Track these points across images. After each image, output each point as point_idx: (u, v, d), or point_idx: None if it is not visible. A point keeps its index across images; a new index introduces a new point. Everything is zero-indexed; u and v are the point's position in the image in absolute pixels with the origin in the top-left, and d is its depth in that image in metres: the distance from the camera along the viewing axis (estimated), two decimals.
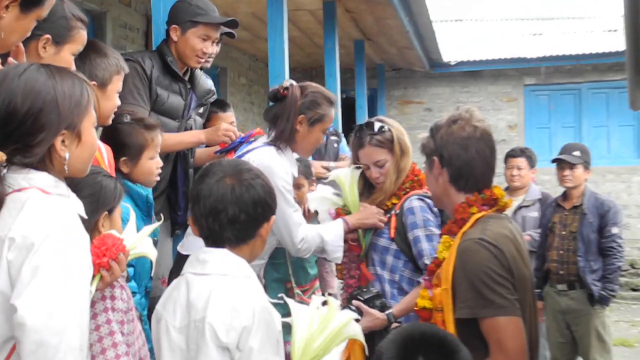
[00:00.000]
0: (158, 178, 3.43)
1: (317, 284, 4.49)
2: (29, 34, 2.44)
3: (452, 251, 2.52)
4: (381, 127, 3.64)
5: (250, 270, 2.36)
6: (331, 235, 3.61)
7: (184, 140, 3.98)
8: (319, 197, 4.02)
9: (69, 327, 1.92)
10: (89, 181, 2.41)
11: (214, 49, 4.09)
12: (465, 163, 2.59)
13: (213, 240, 2.36)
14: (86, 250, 2.08)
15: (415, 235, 3.49)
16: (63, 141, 2.10)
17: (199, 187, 2.36)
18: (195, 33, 3.98)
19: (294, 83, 3.72)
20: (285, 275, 3.94)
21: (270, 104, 3.81)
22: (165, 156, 3.79)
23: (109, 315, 2.39)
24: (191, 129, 4.14)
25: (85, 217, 2.16)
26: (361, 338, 2.70)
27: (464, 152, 2.59)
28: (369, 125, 3.68)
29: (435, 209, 3.55)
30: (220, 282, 2.27)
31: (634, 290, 11.44)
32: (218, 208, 2.31)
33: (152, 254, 2.61)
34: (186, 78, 4.12)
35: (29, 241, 1.94)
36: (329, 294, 4.42)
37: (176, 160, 4.09)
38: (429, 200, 3.55)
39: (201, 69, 4.26)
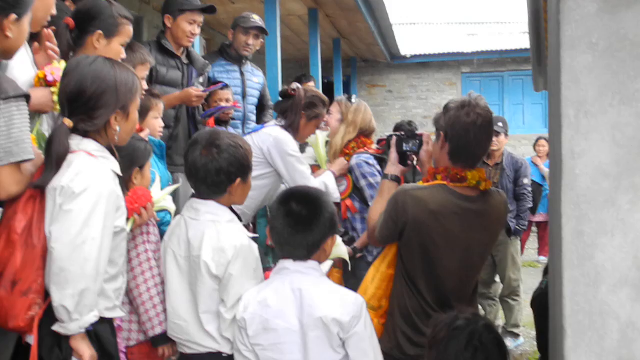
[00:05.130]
0: (161, 133, 3.34)
1: None
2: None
3: None
4: (349, 97, 3.76)
5: (232, 216, 2.32)
6: (331, 182, 3.64)
7: (170, 101, 3.78)
8: (307, 156, 4.08)
9: (88, 259, 1.91)
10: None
11: (198, 31, 4.00)
12: (464, 144, 2.39)
13: (198, 192, 2.34)
14: (115, 200, 2.04)
15: (361, 185, 3.61)
16: (116, 118, 2.09)
17: (187, 154, 2.33)
18: (184, 19, 3.90)
19: (300, 86, 3.74)
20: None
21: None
22: (178, 118, 3.87)
23: (146, 245, 2.43)
24: None
25: (121, 175, 2.14)
26: (345, 256, 2.86)
27: (465, 135, 2.37)
28: (349, 97, 3.82)
29: (371, 161, 3.64)
30: (209, 226, 2.24)
31: None
32: (192, 172, 2.29)
33: (171, 207, 2.64)
34: (183, 56, 4.01)
35: (71, 190, 1.93)
36: None
37: (188, 122, 4.03)
38: (365, 156, 3.65)
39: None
